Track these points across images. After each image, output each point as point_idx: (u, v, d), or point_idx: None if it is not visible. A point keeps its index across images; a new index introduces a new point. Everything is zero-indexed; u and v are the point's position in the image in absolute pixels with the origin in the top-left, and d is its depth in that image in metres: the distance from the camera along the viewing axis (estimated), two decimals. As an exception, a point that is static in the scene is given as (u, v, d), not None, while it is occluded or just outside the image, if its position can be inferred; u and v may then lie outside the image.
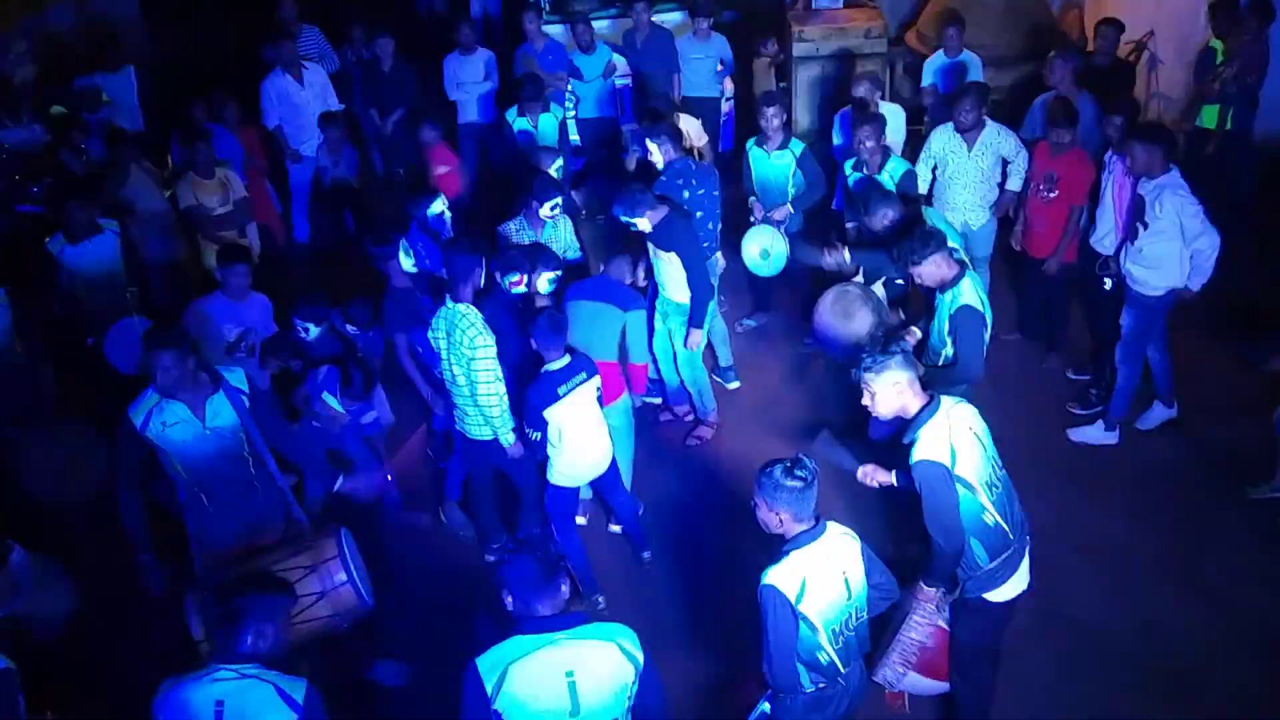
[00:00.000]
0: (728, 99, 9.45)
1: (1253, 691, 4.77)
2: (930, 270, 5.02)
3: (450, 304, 5.19)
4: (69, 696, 4.66)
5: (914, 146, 7.52)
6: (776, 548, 3.59)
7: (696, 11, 9.15)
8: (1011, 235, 6.94)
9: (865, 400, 4.05)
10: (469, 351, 5.11)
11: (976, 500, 3.93)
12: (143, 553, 4.64)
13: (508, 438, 5.34)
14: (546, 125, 7.97)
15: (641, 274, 6.33)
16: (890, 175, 6.57)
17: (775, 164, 7.00)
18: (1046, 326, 7.06)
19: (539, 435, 5.22)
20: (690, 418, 6.79)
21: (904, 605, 4.16)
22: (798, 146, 7.01)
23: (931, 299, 5.24)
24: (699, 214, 6.45)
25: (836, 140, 7.65)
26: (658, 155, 6.50)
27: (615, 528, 6.00)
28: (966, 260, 5.50)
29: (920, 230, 5.15)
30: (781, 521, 3.56)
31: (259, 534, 4.68)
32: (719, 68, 9.09)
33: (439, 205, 6.46)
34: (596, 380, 5.26)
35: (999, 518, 3.98)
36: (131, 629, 5.30)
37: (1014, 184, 6.86)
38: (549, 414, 5.13)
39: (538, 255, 5.74)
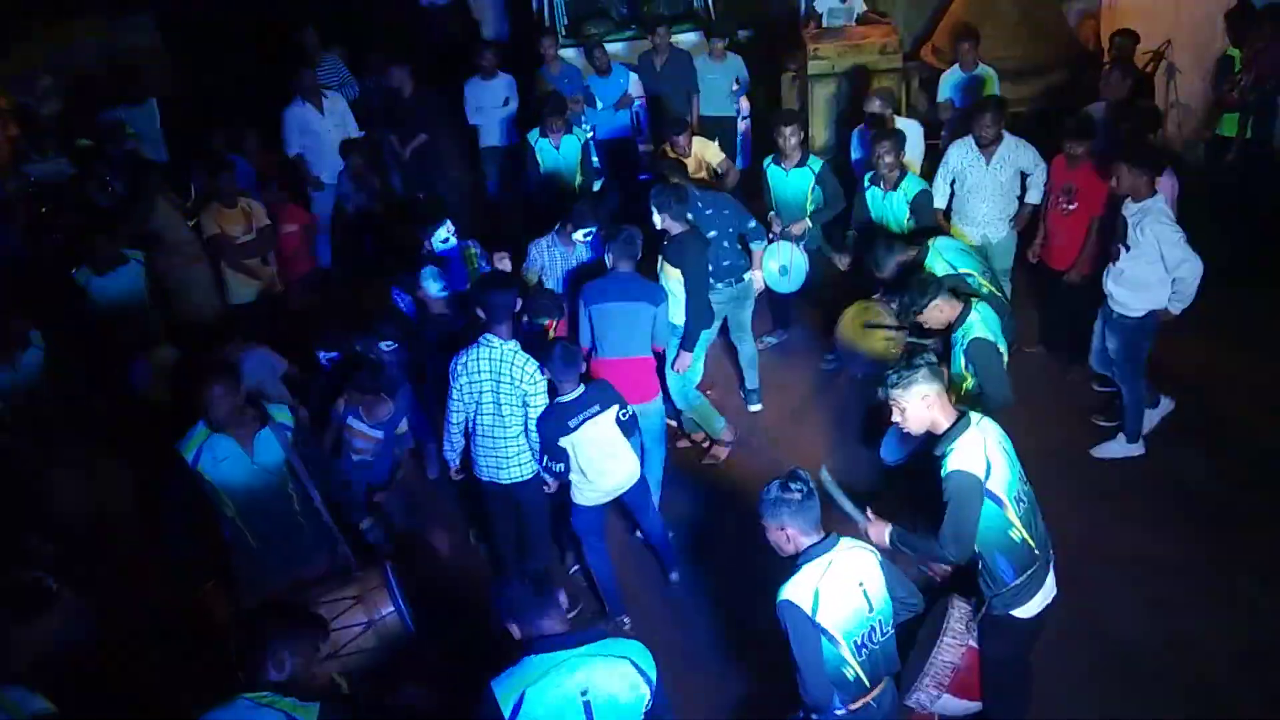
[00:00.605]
0: (744, 117, 9.48)
1: (1288, 704, 4.71)
2: (934, 315, 5.09)
3: (494, 342, 5.07)
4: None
5: (932, 161, 7.53)
6: (789, 565, 3.60)
7: (712, 32, 9.21)
8: (1030, 248, 6.93)
9: (895, 417, 4.02)
10: (528, 387, 5.02)
11: (1004, 515, 3.90)
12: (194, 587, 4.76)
13: (560, 466, 5.18)
14: (569, 148, 7.96)
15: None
16: (905, 193, 6.58)
17: (793, 181, 7.02)
18: (1069, 339, 7.03)
19: (562, 466, 5.14)
20: (707, 443, 6.75)
21: (928, 623, 4.13)
22: (816, 163, 7.03)
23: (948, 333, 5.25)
24: (712, 233, 6.44)
25: (855, 155, 7.67)
26: (658, 221, 6.17)
27: (640, 534, 5.91)
28: (980, 288, 5.51)
29: (917, 280, 5.22)
30: (789, 538, 3.57)
31: (303, 570, 4.71)
32: (735, 86, 9.14)
33: (443, 232, 6.45)
34: (614, 410, 5.15)
35: (1025, 533, 3.96)
36: (159, 659, 5.33)
37: (1033, 196, 6.85)
38: (565, 443, 5.09)
39: (558, 302, 5.80)
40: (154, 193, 7.67)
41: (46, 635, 3.73)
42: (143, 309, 6.83)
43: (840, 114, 9.17)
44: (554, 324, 5.59)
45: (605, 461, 5.20)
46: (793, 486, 3.53)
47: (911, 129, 7.45)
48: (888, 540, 4.07)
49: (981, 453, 3.85)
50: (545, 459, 5.14)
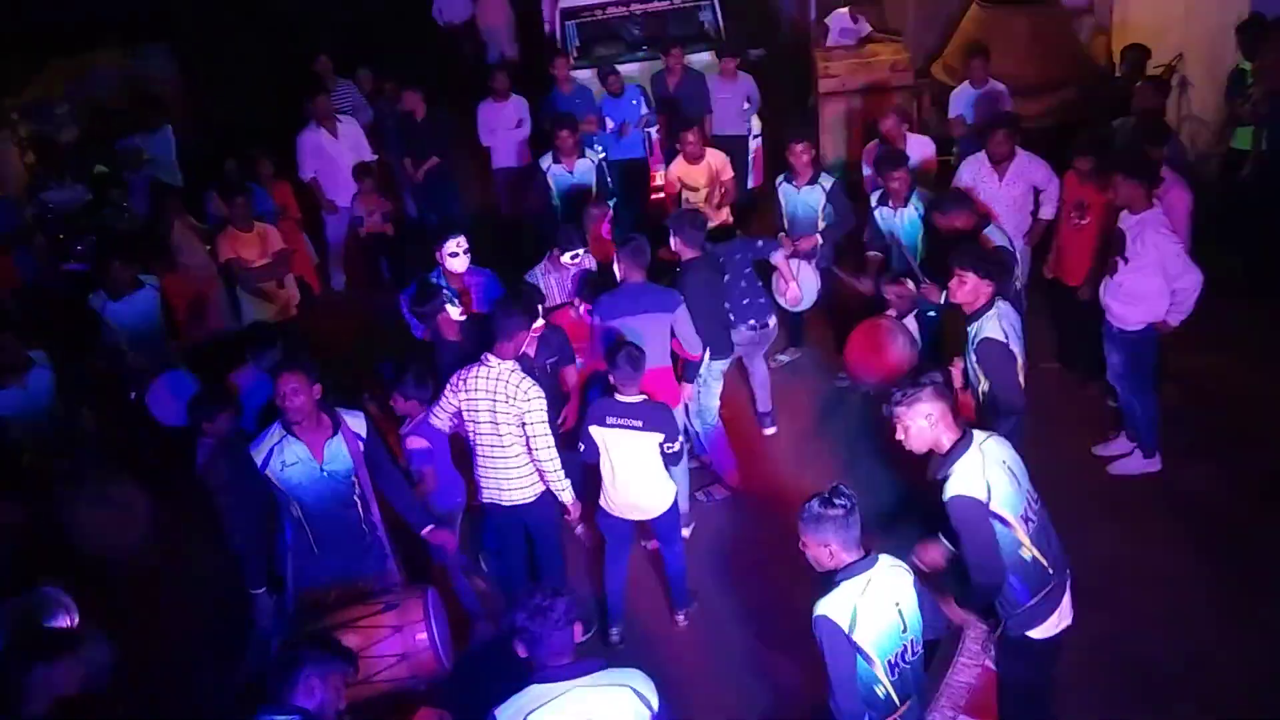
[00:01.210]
0: (755, 136, 9.50)
1: (1312, 724, 4.64)
2: (972, 281, 4.90)
3: (492, 362, 4.99)
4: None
5: (944, 177, 7.51)
6: (827, 579, 3.56)
7: (723, 53, 9.23)
8: (1044, 264, 6.90)
9: (898, 435, 4.00)
10: (524, 404, 4.91)
11: (1013, 536, 3.87)
12: (257, 588, 4.80)
13: (567, 495, 5.16)
14: (583, 171, 7.93)
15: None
16: (915, 209, 6.57)
17: (805, 199, 7.03)
18: (1084, 354, 6.99)
19: (584, 447, 5.18)
20: (713, 482, 6.62)
21: (944, 646, 4.10)
22: (827, 180, 7.04)
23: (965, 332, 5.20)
24: (726, 277, 6.37)
25: (867, 172, 7.67)
26: (673, 244, 6.16)
27: (651, 545, 5.87)
28: (1010, 292, 5.48)
29: (967, 243, 5.20)
30: (832, 554, 3.53)
31: (355, 579, 4.72)
32: (745, 105, 9.17)
33: (454, 245, 6.36)
34: (659, 437, 5.11)
35: (1037, 553, 3.92)
36: (180, 682, 5.34)
37: (1046, 212, 6.83)
38: (596, 435, 5.11)
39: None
40: (172, 215, 7.75)
41: (69, 675, 3.72)
42: (159, 333, 6.89)
43: (851, 132, 9.19)
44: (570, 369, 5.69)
45: (631, 476, 5.18)
46: (836, 502, 3.51)
47: (922, 145, 7.47)
48: (943, 561, 4.12)
49: (980, 475, 3.81)
50: (579, 440, 5.24)
